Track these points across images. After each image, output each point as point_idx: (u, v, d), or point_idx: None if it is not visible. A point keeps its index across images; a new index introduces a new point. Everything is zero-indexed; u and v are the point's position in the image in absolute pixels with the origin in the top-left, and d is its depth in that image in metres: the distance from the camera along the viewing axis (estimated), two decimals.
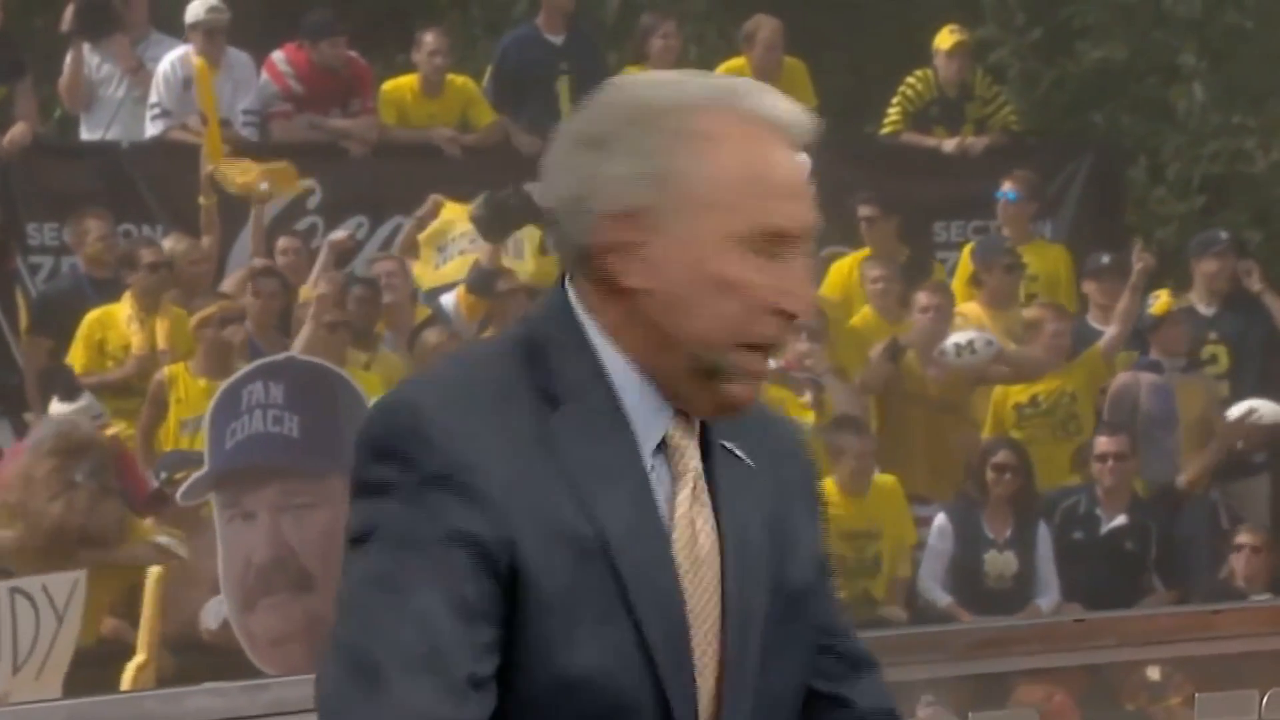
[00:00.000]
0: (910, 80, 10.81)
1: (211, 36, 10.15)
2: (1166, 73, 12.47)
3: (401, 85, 10.49)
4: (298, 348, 8.67)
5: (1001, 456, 9.07)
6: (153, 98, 10.23)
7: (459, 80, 10.52)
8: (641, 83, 2.16)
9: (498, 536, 2.04)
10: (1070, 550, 9.21)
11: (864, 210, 10.10)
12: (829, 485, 8.99)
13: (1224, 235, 10.52)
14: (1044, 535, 9.14)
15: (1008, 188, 10.27)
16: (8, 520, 7.70)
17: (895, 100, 10.83)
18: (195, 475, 7.85)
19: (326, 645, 2.07)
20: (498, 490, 2.05)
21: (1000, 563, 9.08)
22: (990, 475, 9.05)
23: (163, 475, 8.25)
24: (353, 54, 10.45)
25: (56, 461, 7.67)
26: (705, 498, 2.15)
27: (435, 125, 10.29)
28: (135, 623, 7.94)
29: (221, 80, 10.23)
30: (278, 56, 10.39)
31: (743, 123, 2.12)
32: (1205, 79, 12.42)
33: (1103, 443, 9.26)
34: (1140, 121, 12.48)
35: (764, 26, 10.57)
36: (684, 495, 2.13)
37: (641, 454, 2.13)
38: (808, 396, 9.14)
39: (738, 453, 2.19)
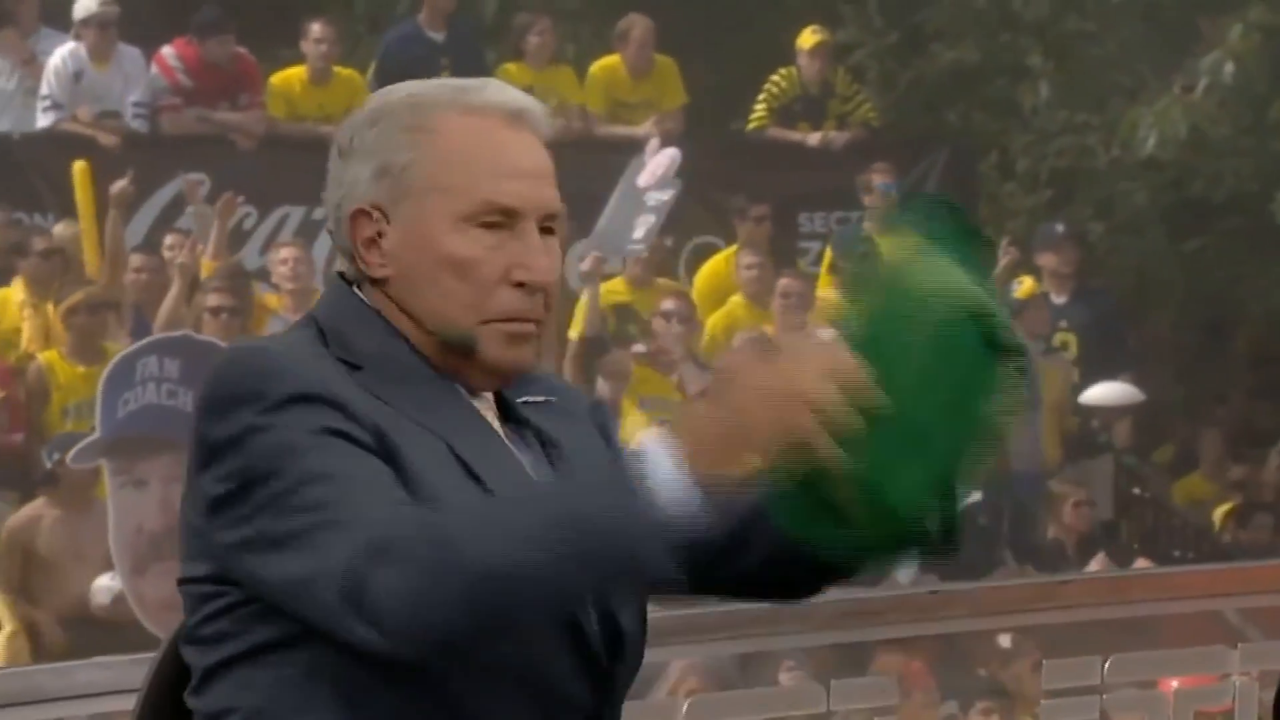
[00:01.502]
0: (774, 79, 10.91)
1: (102, 31, 10.07)
2: (1015, 73, 12.63)
3: (290, 77, 10.46)
4: (185, 328, 8.64)
5: None
6: (43, 90, 10.14)
7: (346, 73, 10.50)
8: (388, 91, 2.21)
9: (368, 428, 2.06)
10: None
11: (735, 202, 10.21)
12: None
13: (1060, 228, 10.71)
14: None
15: (885, 180, 10.39)
16: None
17: (761, 97, 10.93)
18: (86, 440, 7.80)
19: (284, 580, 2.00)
20: (350, 403, 2.07)
21: None
22: None
23: (55, 456, 8.20)
24: (240, 50, 10.40)
25: None
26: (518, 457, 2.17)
27: (323, 116, 10.27)
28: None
29: (112, 74, 10.15)
30: (167, 51, 10.32)
31: (466, 114, 2.16)
32: (1051, 79, 12.60)
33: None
34: (991, 119, 12.64)
35: (636, 25, 10.64)
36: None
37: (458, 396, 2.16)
38: (674, 377, 9.22)
39: (537, 400, 2.21)
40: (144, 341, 8.05)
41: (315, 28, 10.39)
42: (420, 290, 2.15)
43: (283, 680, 2.07)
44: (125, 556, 7.68)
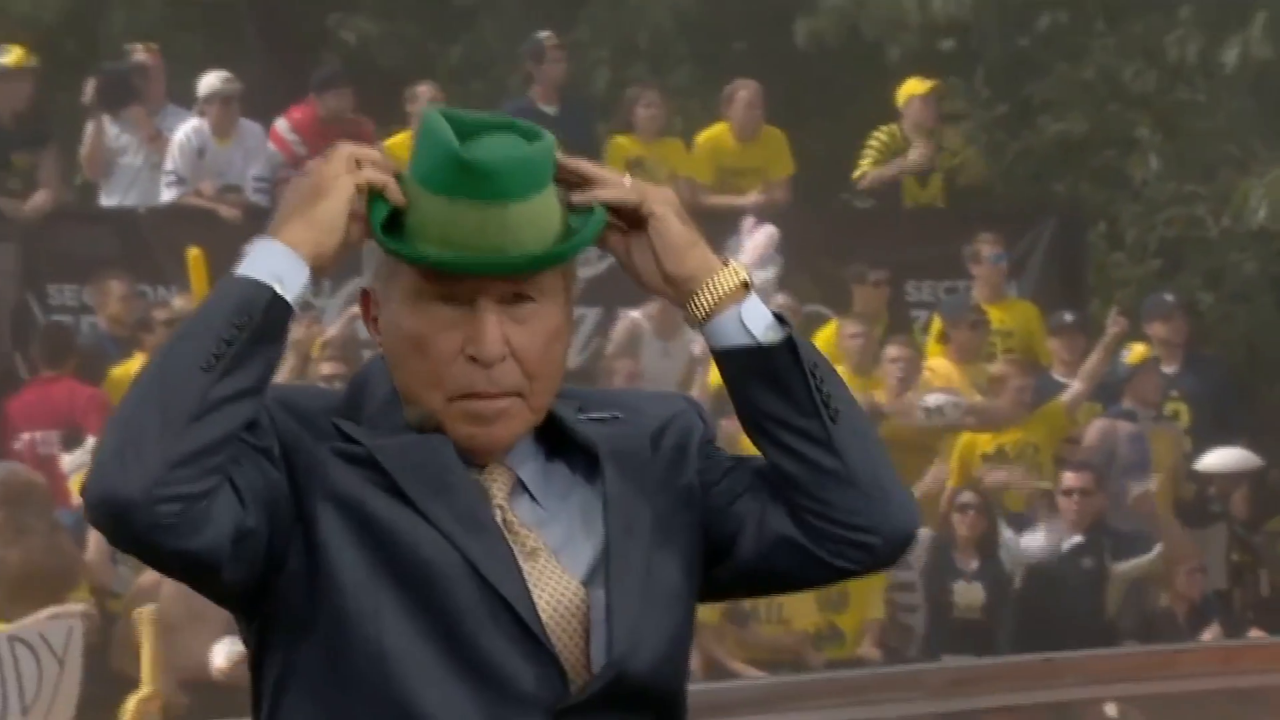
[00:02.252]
0: (878, 133, 10.87)
1: (224, 107, 10.19)
2: (1123, 145, 12.55)
3: (399, 144, 10.53)
4: None
5: (965, 498, 9.14)
6: (168, 165, 10.26)
7: None
8: None
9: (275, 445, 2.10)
10: (1036, 572, 9.23)
11: (855, 268, 10.15)
12: None
13: (1170, 298, 10.59)
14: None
15: (990, 251, 10.32)
16: None
17: (865, 150, 10.87)
18: None
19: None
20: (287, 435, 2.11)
21: (969, 593, 9.10)
22: (955, 516, 9.10)
23: None
24: (356, 117, 10.49)
25: (4, 511, 7.62)
26: (519, 529, 2.14)
27: None
28: (133, 660, 7.97)
29: (233, 149, 10.26)
30: (281, 125, 10.43)
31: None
32: (1160, 150, 12.50)
33: (1070, 479, 9.32)
34: (1099, 190, 12.55)
35: (743, 88, 10.64)
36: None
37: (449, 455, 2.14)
38: None
39: (602, 416, 2.19)
40: None
41: (423, 90, 10.47)
42: (396, 365, 2.15)
43: (272, 687, 2.13)
44: None
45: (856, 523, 2.14)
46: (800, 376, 2.13)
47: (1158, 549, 9.48)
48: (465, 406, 2.11)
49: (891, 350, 9.67)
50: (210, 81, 10.24)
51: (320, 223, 2.09)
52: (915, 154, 10.65)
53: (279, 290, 2.06)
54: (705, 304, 2.15)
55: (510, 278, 2.10)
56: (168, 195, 10.26)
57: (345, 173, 2.12)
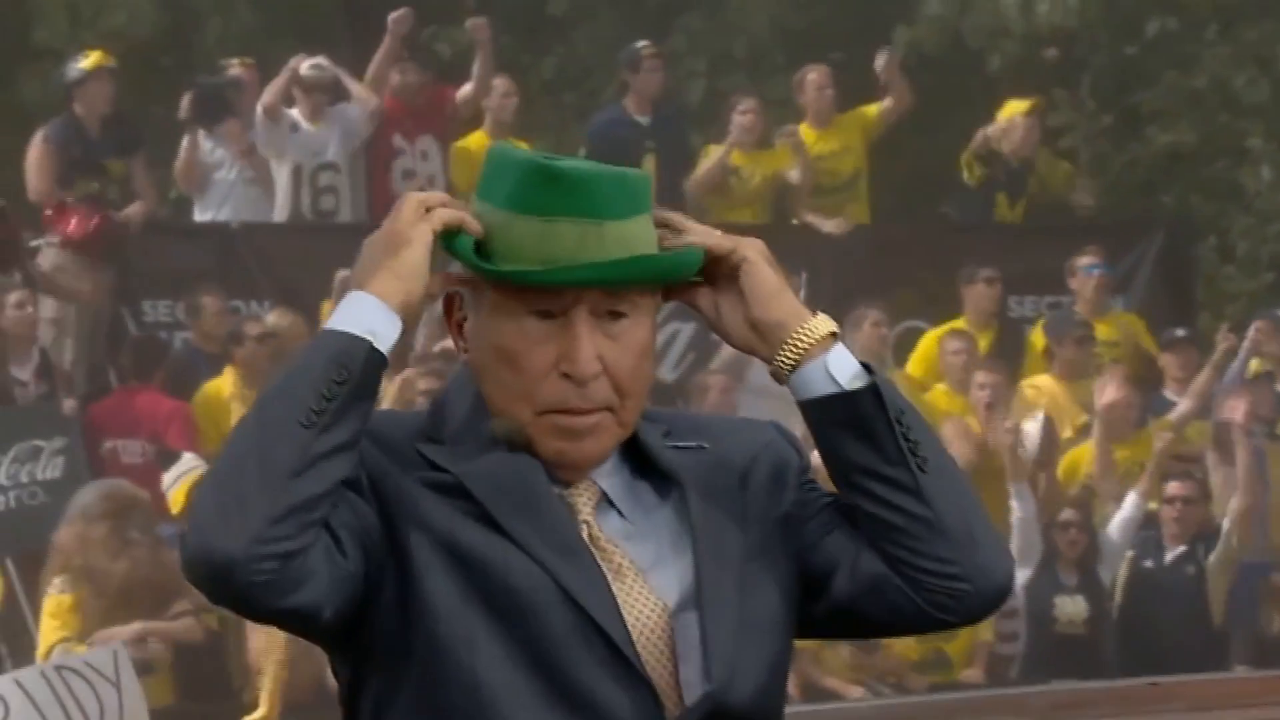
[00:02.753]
0: (973, 154, 10.71)
1: (313, 94, 10.19)
2: (1235, 156, 12.38)
3: (471, 142, 10.49)
4: None
5: (1067, 515, 9.04)
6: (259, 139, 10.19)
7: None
8: None
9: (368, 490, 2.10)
10: (1138, 581, 9.13)
11: (966, 272, 9.98)
12: None
13: None
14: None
15: (1089, 262, 10.20)
16: (74, 584, 7.74)
17: (965, 157, 10.73)
18: None
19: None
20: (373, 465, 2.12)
21: (1070, 607, 9.01)
22: (1057, 534, 9.02)
23: None
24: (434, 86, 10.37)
25: (110, 524, 7.70)
26: (604, 544, 2.14)
27: None
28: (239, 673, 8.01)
29: (327, 129, 10.22)
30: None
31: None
32: (1272, 160, 12.33)
33: (1173, 487, 9.21)
34: (1209, 202, 12.39)
35: (813, 70, 10.38)
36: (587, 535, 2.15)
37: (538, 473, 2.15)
38: None
39: (688, 445, 2.19)
40: None
41: (499, 83, 10.45)
42: (485, 378, 2.15)
43: (356, 712, 2.17)
44: None
45: (950, 571, 2.14)
46: (886, 424, 2.14)
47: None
48: (556, 421, 2.12)
49: (980, 376, 9.52)
50: (301, 66, 10.20)
51: (405, 272, 2.10)
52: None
53: (374, 343, 2.08)
54: (794, 352, 2.15)
55: (608, 291, 2.11)
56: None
57: (419, 220, 2.13)
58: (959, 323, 10.01)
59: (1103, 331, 10.18)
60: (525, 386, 2.11)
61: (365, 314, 2.08)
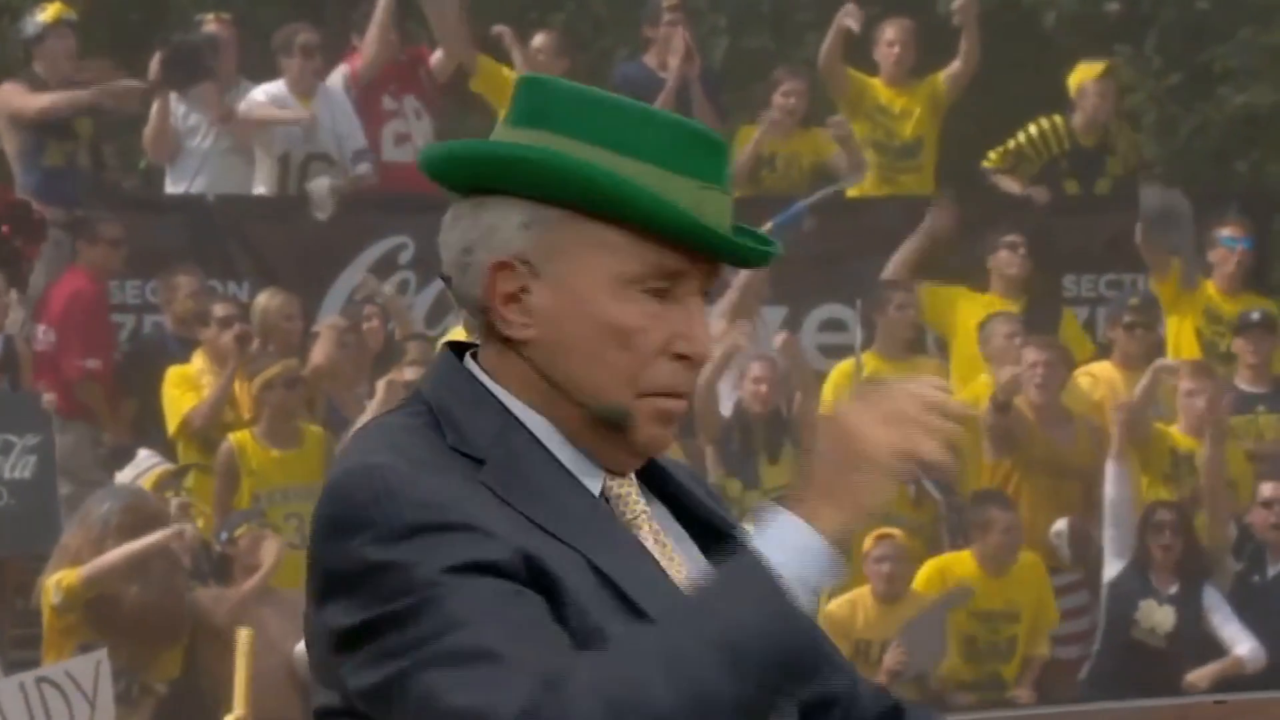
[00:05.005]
0: (1037, 127, 10.39)
1: (306, 60, 9.98)
2: None
3: (496, 73, 10.24)
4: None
5: (1161, 515, 8.71)
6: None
7: None
8: None
9: (510, 549, 1.99)
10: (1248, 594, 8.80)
11: (988, 242, 9.70)
12: (968, 560, 8.65)
13: None
14: (1212, 593, 8.71)
15: (1231, 234, 9.86)
16: (83, 605, 7.57)
17: (1012, 143, 10.42)
18: None
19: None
20: (482, 521, 2.00)
21: (1157, 615, 8.65)
22: (1150, 535, 8.68)
23: (223, 536, 8.08)
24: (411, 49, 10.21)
25: (127, 539, 7.57)
26: (665, 539, 2.12)
27: None
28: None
29: (318, 111, 10.02)
30: (336, 81, 10.15)
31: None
32: None
33: (1268, 489, 8.86)
34: None
35: (891, 25, 10.27)
36: (648, 545, 2.11)
37: (589, 489, 2.10)
38: (910, 490, 8.77)
39: (667, 467, 2.17)
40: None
41: (539, 38, 10.25)
42: (571, 357, 2.06)
43: None
44: None
45: None
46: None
47: None
48: (660, 405, 2.08)
49: (1030, 353, 9.18)
50: (289, 33, 10.01)
51: (866, 506, 1.99)
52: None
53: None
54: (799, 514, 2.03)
55: (714, 270, 2.09)
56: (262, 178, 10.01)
57: (897, 442, 1.99)
58: (994, 300, 9.68)
59: (1230, 311, 9.81)
60: (634, 368, 2.06)
61: (812, 563, 1.96)
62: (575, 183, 2.03)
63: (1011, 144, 10.44)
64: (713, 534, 2.16)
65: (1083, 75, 10.35)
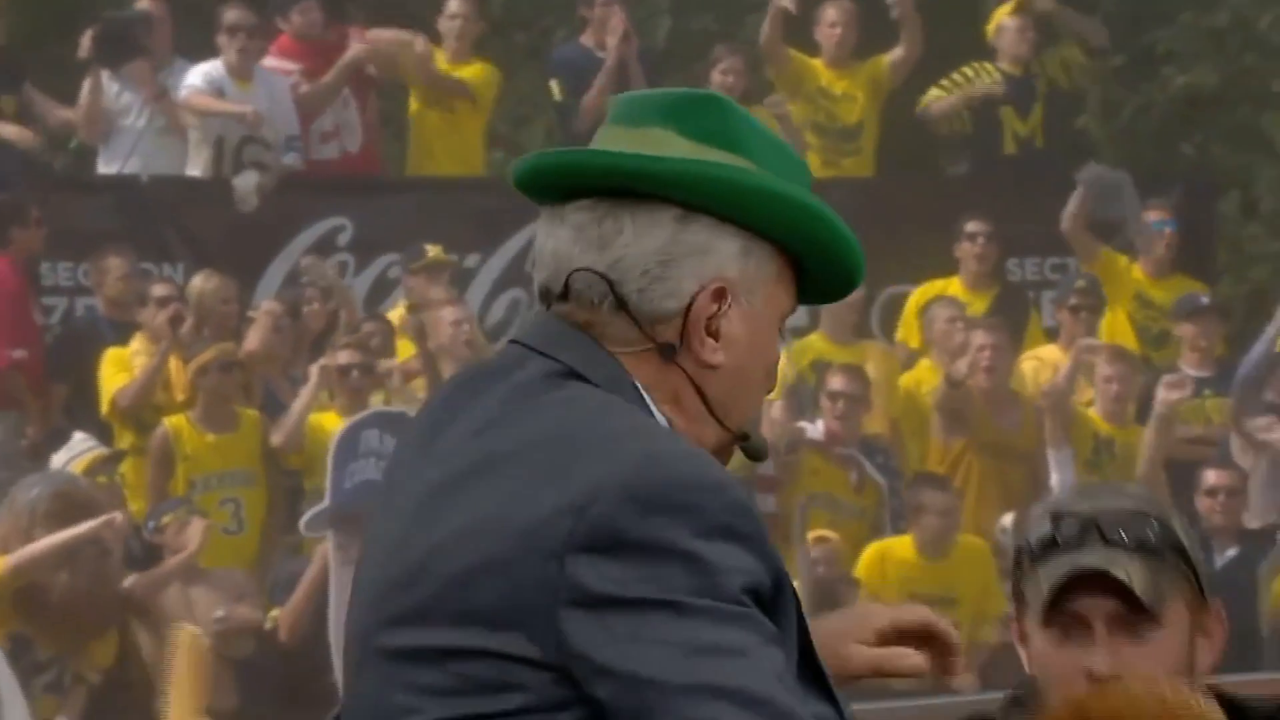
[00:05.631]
0: (965, 69, 10.45)
1: (246, 41, 9.92)
2: (1260, 101, 12.18)
3: (477, 73, 10.23)
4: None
5: (1214, 479, 8.91)
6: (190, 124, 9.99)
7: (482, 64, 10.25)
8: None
9: (773, 581, 2.04)
10: None
11: (957, 226, 9.76)
12: (908, 544, 8.70)
13: None
14: None
15: (1158, 217, 9.92)
16: (11, 594, 7.54)
17: (945, 82, 10.47)
18: (318, 508, 8.02)
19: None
20: (770, 553, 2.07)
21: None
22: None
23: (150, 524, 8.06)
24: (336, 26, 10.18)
25: (56, 526, 7.51)
26: None
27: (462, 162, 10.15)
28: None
29: (256, 94, 9.96)
30: (270, 64, 10.10)
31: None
32: None
33: (1212, 476, 8.93)
34: (1232, 152, 12.19)
35: (832, 6, 10.30)
36: None
37: None
38: (853, 476, 8.83)
39: None
40: (369, 413, 8.24)
41: (453, 4, 10.22)
42: (741, 386, 2.11)
43: None
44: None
45: None
46: None
47: None
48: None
49: (978, 336, 9.24)
50: (231, 13, 9.94)
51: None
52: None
53: None
54: None
55: None
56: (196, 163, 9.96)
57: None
58: (948, 284, 9.74)
59: (1160, 296, 9.88)
60: (759, 401, 2.15)
61: None
62: (806, 224, 2.08)
63: (945, 82, 10.49)
64: None
65: (999, 17, 10.43)
